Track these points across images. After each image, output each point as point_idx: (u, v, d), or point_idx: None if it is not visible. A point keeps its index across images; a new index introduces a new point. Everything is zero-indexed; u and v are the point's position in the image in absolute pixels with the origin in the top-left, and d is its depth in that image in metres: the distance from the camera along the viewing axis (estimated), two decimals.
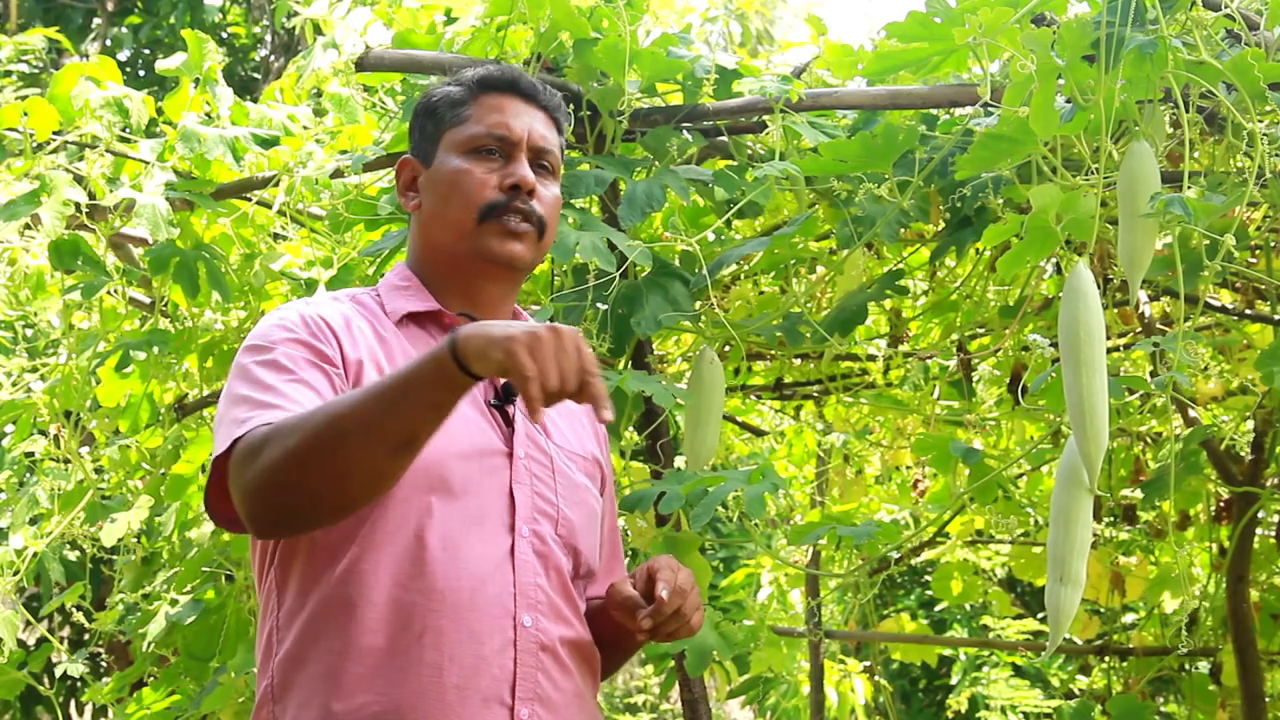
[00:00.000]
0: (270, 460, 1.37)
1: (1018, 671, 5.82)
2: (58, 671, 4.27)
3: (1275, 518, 3.39)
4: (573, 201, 2.33)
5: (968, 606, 6.08)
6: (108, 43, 8.75)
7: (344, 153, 2.69)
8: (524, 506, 1.56)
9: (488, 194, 1.62)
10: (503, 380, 1.60)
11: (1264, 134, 1.93)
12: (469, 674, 1.47)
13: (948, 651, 5.96)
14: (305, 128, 2.73)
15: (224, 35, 9.19)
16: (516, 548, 1.53)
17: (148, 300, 3.06)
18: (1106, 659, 3.81)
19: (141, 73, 8.75)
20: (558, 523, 1.58)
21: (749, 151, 2.57)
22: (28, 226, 2.89)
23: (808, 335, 2.54)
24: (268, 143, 2.61)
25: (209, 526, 2.93)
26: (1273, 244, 2.61)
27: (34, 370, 3.11)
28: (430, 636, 1.47)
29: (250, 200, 2.75)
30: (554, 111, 1.72)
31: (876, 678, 4.54)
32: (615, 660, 1.73)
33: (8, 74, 3.33)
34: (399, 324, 1.62)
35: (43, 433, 3.20)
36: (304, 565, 1.51)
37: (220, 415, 1.50)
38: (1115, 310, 2.84)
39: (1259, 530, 3.32)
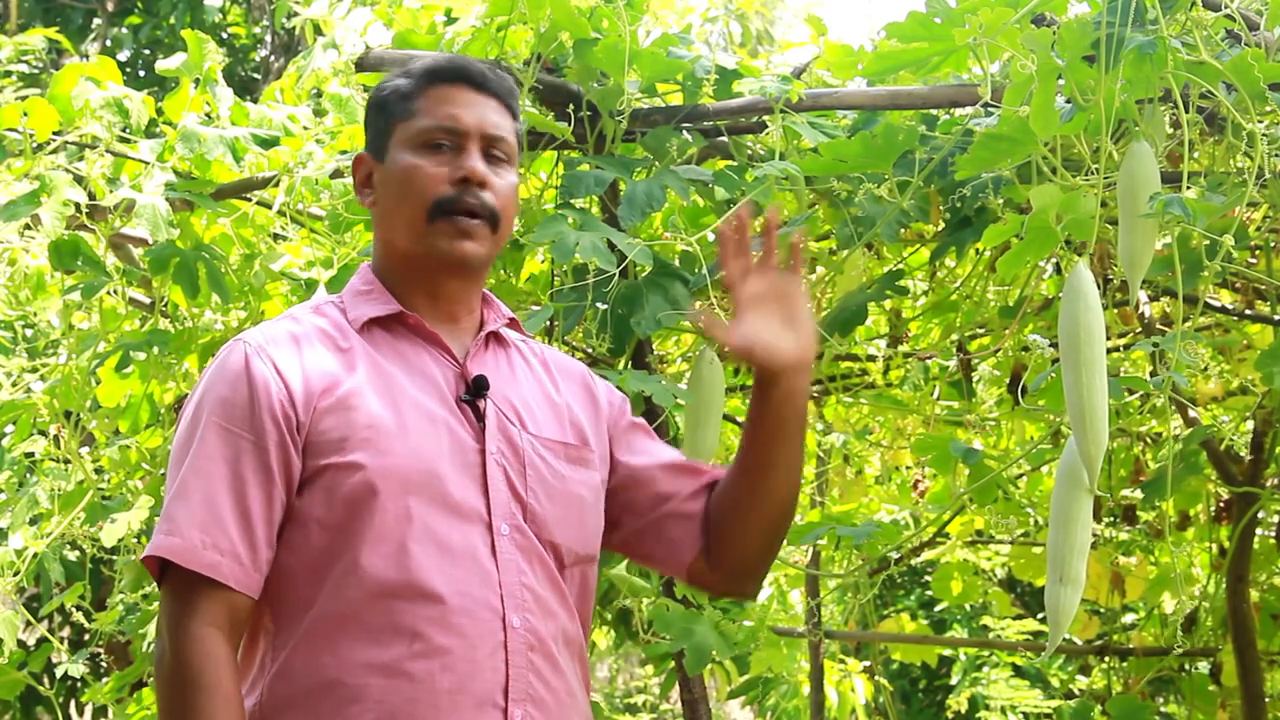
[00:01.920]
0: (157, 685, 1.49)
1: (1018, 671, 5.82)
2: (58, 672, 4.27)
3: (1275, 518, 3.39)
4: (573, 201, 2.33)
5: (968, 606, 6.07)
6: (108, 43, 8.75)
7: (344, 153, 2.69)
8: (499, 503, 1.55)
9: (439, 189, 1.59)
10: (474, 374, 1.60)
11: (1264, 134, 1.93)
12: (462, 678, 1.47)
13: (948, 651, 5.96)
14: (305, 128, 2.73)
15: (224, 35, 9.19)
16: (498, 546, 1.53)
17: (148, 300, 3.06)
18: (1106, 659, 3.81)
19: (141, 73, 8.75)
20: (529, 517, 1.57)
21: (749, 151, 2.57)
22: (28, 226, 2.89)
23: None
24: (268, 143, 2.61)
25: None
26: (1273, 244, 2.61)
27: (34, 370, 3.11)
28: (421, 645, 1.46)
29: (250, 200, 2.75)
30: (506, 98, 1.67)
31: (876, 678, 4.53)
32: (779, 472, 1.69)
33: (8, 74, 3.33)
34: (363, 330, 1.61)
35: (43, 433, 3.20)
36: (290, 586, 1.51)
37: (167, 480, 1.54)
38: (1115, 310, 2.84)
39: (1259, 530, 3.32)
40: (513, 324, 1.72)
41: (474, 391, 1.59)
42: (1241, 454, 3.05)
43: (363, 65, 2.51)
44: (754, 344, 1.60)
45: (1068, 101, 1.98)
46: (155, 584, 1.53)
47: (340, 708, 1.46)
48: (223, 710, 1.43)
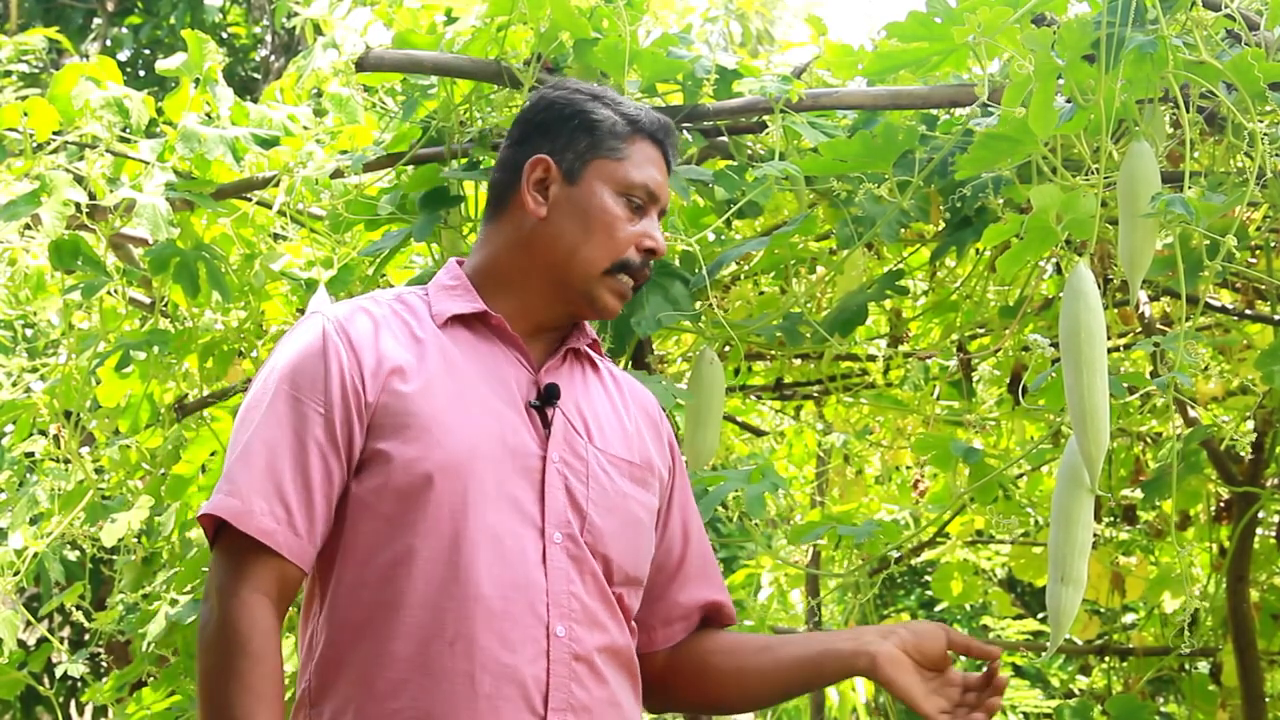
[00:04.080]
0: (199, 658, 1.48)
1: (1018, 671, 5.82)
2: (58, 671, 4.27)
3: (1275, 518, 3.39)
4: None
5: (968, 606, 6.07)
6: (108, 43, 8.75)
7: (344, 153, 2.69)
8: (555, 510, 1.54)
9: (628, 250, 1.62)
10: (546, 381, 1.60)
11: (1264, 134, 1.93)
12: (500, 683, 1.46)
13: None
14: (305, 128, 2.73)
15: (224, 35, 9.19)
16: (548, 554, 1.52)
17: (148, 300, 3.06)
18: (1106, 659, 3.81)
19: (141, 73, 8.75)
20: (584, 528, 1.56)
21: (749, 151, 2.57)
22: (28, 226, 2.89)
23: (808, 335, 2.54)
24: (268, 143, 2.61)
25: None
26: (1273, 244, 2.61)
27: (34, 370, 3.11)
28: (462, 644, 1.46)
29: (250, 200, 2.75)
30: (671, 170, 1.71)
31: None
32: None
33: (8, 74, 3.32)
34: (444, 325, 1.60)
35: (43, 433, 3.20)
36: (341, 570, 1.52)
37: (230, 442, 1.55)
38: (1115, 310, 2.84)
39: (1259, 530, 3.32)
40: (594, 345, 1.72)
41: (544, 399, 1.59)
42: (1242, 454, 3.05)
43: (363, 65, 2.51)
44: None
45: (1068, 101, 1.98)
46: (208, 544, 1.53)
47: (378, 701, 1.46)
48: (266, 681, 1.43)
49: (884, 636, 1.58)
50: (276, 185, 2.66)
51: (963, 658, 1.66)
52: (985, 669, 1.57)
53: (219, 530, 1.49)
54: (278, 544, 1.47)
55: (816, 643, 1.66)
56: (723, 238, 2.69)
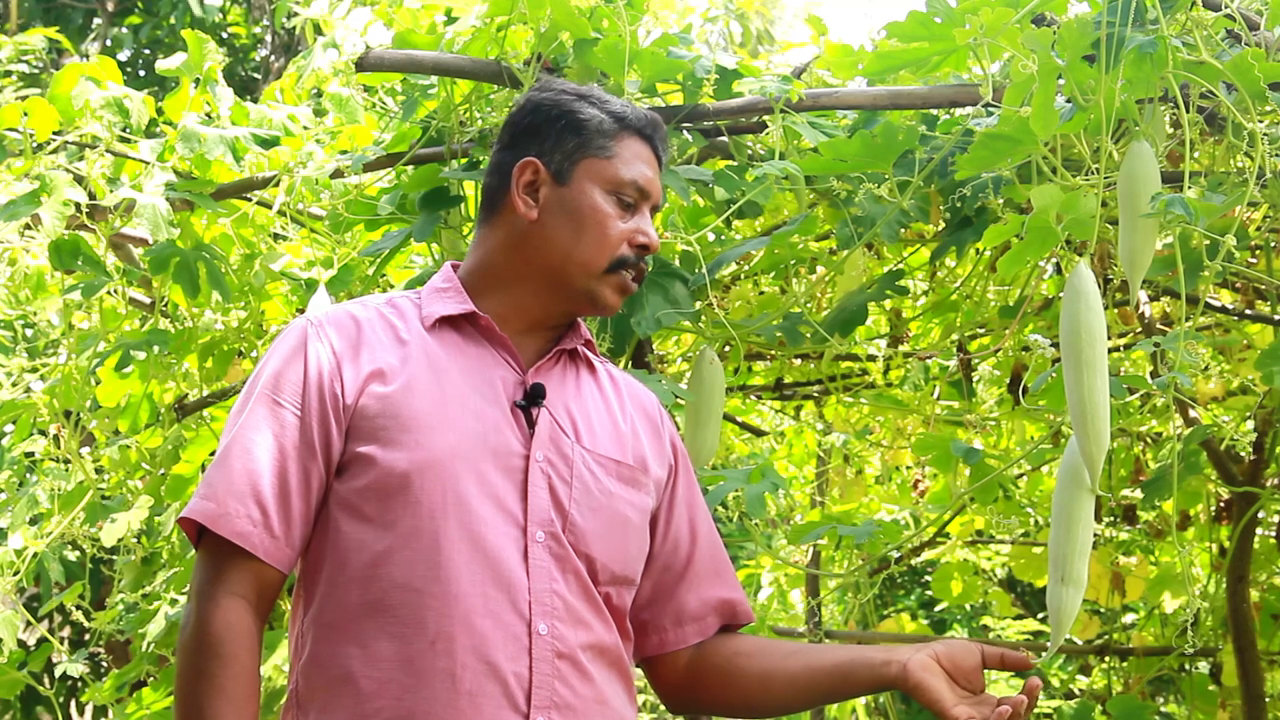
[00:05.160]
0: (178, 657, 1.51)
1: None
2: (58, 671, 4.27)
3: (1275, 518, 3.39)
4: None
5: (968, 606, 6.07)
6: (108, 43, 8.75)
7: (344, 153, 2.69)
8: (537, 509, 1.54)
9: (622, 247, 1.62)
10: (532, 381, 1.61)
11: (1264, 134, 1.93)
12: (482, 680, 1.46)
13: None
14: (305, 128, 2.73)
15: (224, 35, 9.19)
16: (530, 552, 1.52)
17: (148, 300, 3.06)
18: (1106, 659, 3.81)
19: (141, 73, 8.76)
20: (566, 527, 1.56)
21: (749, 151, 2.57)
22: (28, 226, 2.89)
23: (808, 335, 2.54)
24: (268, 143, 2.61)
25: None
26: (1273, 244, 2.61)
27: (34, 370, 3.11)
28: (443, 643, 1.46)
29: (250, 200, 2.75)
30: (663, 165, 1.73)
31: None
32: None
33: (8, 74, 3.32)
34: (433, 327, 1.61)
35: (43, 433, 3.20)
36: (326, 571, 1.52)
37: (221, 439, 1.56)
38: (1115, 310, 2.84)
39: (1259, 530, 3.33)
40: (588, 345, 1.72)
41: (529, 399, 1.59)
42: (1242, 454, 3.05)
43: (363, 65, 2.51)
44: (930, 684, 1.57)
45: (1068, 101, 1.98)
46: (192, 547, 1.56)
47: (360, 702, 1.46)
48: (237, 682, 1.45)
49: (917, 649, 1.59)
50: (276, 185, 2.66)
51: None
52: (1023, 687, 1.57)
53: (201, 534, 1.51)
54: (253, 546, 1.48)
55: (847, 651, 1.66)
56: (723, 238, 2.69)
